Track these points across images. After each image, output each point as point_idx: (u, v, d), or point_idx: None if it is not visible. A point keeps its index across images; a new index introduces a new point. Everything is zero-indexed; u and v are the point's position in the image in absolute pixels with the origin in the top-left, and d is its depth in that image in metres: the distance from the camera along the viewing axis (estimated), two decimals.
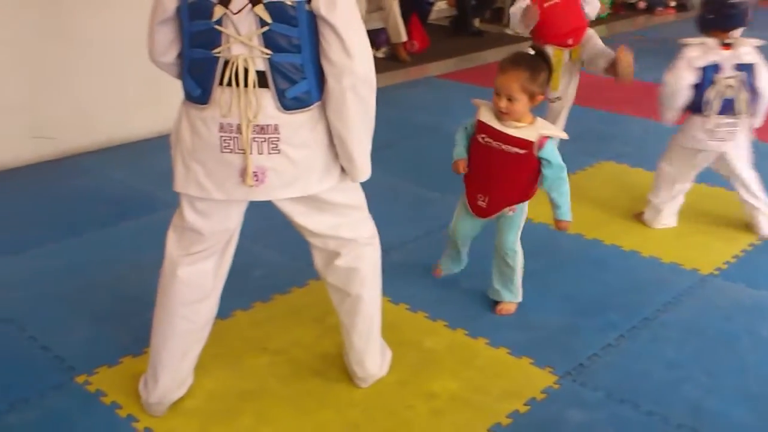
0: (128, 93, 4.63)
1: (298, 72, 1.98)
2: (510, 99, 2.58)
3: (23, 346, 2.71)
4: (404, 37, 6.91)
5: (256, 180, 2.03)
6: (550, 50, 4.06)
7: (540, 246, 3.47)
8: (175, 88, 2.18)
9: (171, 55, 2.08)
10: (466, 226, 2.89)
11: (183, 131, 2.08)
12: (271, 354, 2.67)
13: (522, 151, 2.65)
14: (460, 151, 2.78)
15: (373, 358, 2.46)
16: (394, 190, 4.03)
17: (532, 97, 2.60)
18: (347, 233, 2.27)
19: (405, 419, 2.38)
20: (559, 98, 4.25)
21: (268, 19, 1.92)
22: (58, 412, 2.40)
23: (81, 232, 3.55)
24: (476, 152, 2.74)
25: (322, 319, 2.83)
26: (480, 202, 2.77)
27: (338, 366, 2.56)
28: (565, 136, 2.79)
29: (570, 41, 4.13)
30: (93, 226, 3.60)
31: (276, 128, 2.00)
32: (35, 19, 4.22)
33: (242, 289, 3.01)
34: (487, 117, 2.68)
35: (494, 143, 2.67)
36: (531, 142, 2.64)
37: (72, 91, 4.42)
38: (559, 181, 2.69)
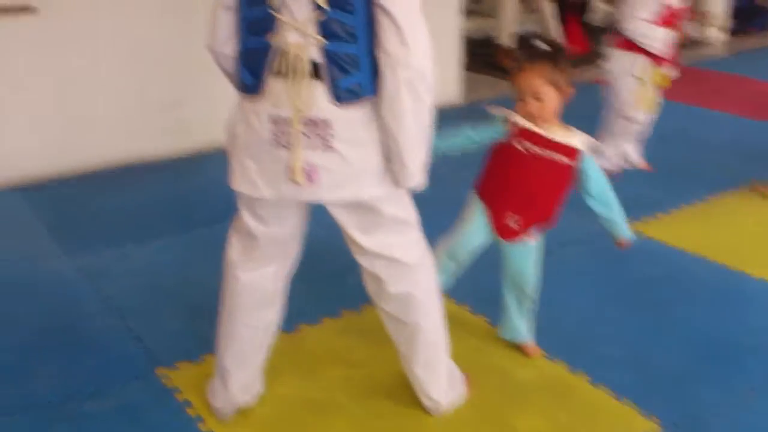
0: None
1: (352, 62, 1.86)
2: (538, 98, 2.27)
3: (120, 335, 2.76)
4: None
5: (308, 179, 1.92)
6: (647, 67, 3.76)
7: (671, 274, 3.14)
8: None
9: (231, 46, 2.00)
10: (473, 245, 2.49)
11: (237, 126, 2.02)
12: (348, 367, 2.54)
13: (567, 161, 2.34)
14: (439, 153, 2.29)
15: (438, 387, 2.27)
16: None
17: (559, 90, 2.28)
18: (398, 254, 2.10)
19: None
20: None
21: (325, 5, 1.82)
22: (132, 404, 2.40)
23: (195, 226, 3.60)
24: (512, 163, 2.36)
25: None
26: (510, 223, 2.40)
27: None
28: (599, 148, 2.50)
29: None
30: (206, 222, 3.61)
31: (328, 123, 1.89)
32: (179, 22, 4.35)
33: (334, 296, 2.92)
34: (526, 122, 2.32)
35: (540, 151, 2.32)
36: (578, 151, 2.34)
37: (211, 90, 4.53)
38: (608, 195, 2.40)
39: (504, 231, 2.42)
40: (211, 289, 2.95)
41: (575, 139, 2.35)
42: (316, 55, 1.86)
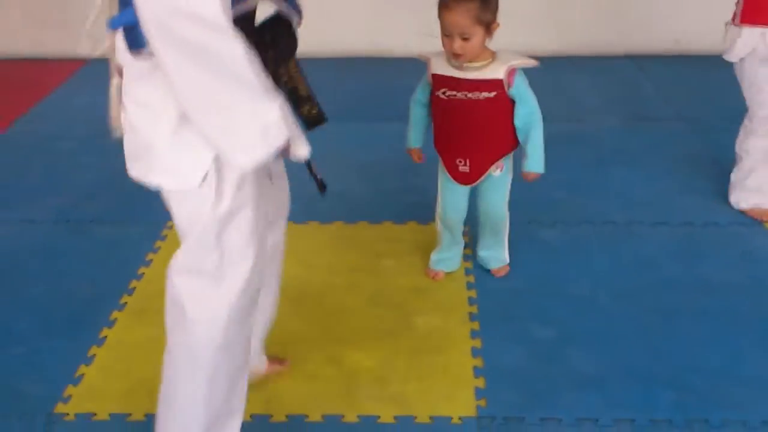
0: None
1: None
2: (464, 37, 2.12)
3: None
4: None
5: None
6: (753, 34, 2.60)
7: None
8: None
9: None
10: (455, 200, 2.41)
11: None
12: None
13: (492, 94, 2.21)
14: (414, 137, 2.40)
15: None
16: None
17: (488, 27, 2.15)
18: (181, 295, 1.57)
19: None
20: None
21: None
22: None
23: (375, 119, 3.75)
24: (441, 111, 2.30)
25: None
26: (462, 167, 2.32)
27: None
28: (534, 63, 2.21)
29: None
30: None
31: (122, 71, 1.47)
32: None
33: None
34: (440, 67, 2.24)
35: (459, 94, 2.23)
36: (500, 81, 2.20)
37: None
38: (532, 123, 2.26)
39: (460, 177, 2.36)
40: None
41: (497, 68, 2.20)
42: None
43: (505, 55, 2.21)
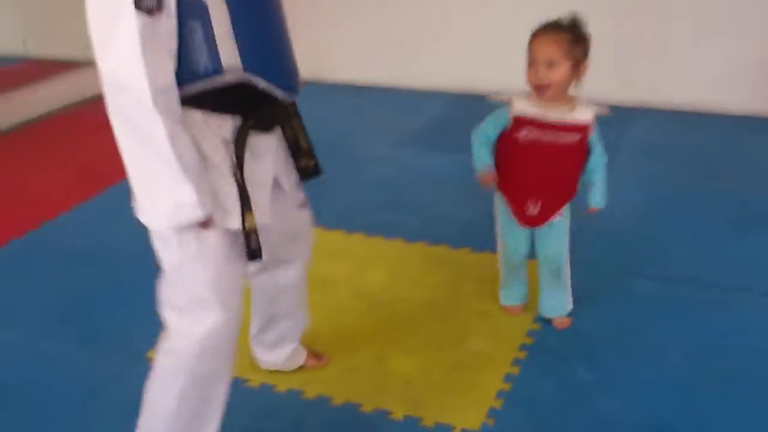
0: None
1: None
2: (550, 65, 2.14)
3: None
4: None
5: None
6: None
7: None
8: None
9: None
10: (517, 243, 2.46)
11: None
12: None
13: (577, 138, 2.26)
14: (485, 157, 2.32)
15: None
16: None
17: (576, 65, 2.17)
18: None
19: None
20: None
21: None
22: None
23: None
24: (519, 153, 2.30)
25: None
26: (531, 210, 2.36)
27: None
28: (607, 111, 2.26)
29: None
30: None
31: None
32: None
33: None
34: (524, 108, 2.24)
35: (545, 136, 2.24)
36: (587, 125, 2.25)
37: None
38: (604, 167, 2.36)
39: (527, 220, 2.42)
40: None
41: (585, 112, 2.25)
42: None
43: (583, 101, 2.24)
